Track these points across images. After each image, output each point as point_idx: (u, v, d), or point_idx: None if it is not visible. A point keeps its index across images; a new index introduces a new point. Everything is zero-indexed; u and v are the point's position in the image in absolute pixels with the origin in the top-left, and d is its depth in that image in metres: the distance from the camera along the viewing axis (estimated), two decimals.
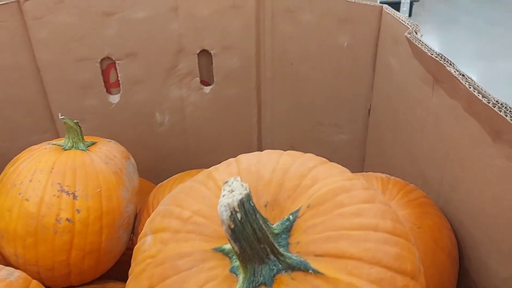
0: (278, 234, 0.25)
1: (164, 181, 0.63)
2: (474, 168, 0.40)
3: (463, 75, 0.40)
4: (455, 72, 0.41)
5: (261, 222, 0.23)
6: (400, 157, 0.56)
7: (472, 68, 2.06)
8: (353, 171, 0.69)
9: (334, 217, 0.25)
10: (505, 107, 0.35)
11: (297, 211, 0.26)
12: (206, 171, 0.32)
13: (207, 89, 0.72)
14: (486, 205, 0.40)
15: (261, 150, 0.80)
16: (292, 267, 0.24)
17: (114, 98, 0.69)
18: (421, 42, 0.46)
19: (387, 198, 0.42)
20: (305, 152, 0.68)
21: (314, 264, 0.24)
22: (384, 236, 0.25)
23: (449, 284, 0.40)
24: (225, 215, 0.22)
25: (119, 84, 0.68)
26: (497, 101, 0.36)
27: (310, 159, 0.30)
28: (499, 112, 0.35)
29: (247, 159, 0.31)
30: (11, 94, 0.64)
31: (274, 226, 0.26)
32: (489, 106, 0.36)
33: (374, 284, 0.23)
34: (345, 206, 0.26)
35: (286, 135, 0.75)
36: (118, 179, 0.52)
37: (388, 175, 0.46)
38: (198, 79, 0.71)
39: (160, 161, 0.75)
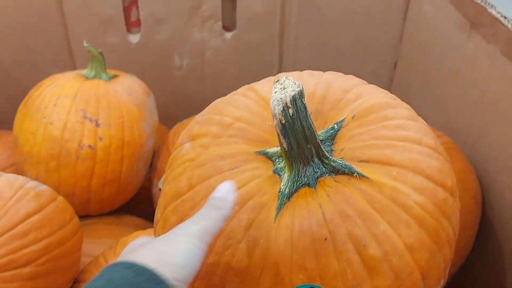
0: (322, 141, 0.25)
1: (184, 120, 0.63)
2: (509, 113, 0.40)
3: (505, 17, 0.39)
4: (496, 14, 0.40)
5: (310, 121, 0.23)
6: (427, 107, 0.55)
7: None
8: None
9: (380, 128, 0.25)
10: None
11: (342, 121, 0.26)
12: (245, 86, 0.31)
13: (228, 34, 0.71)
14: None
15: None
16: (337, 170, 0.24)
17: (134, 38, 0.68)
18: None
19: None
20: None
21: (359, 168, 0.24)
22: (427, 150, 0.25)
23: (472, 225, 0.40)
24: (277, 109, 0.22)
25: (140, 23, 0.67)
26: None
27: (352, 78, 0.30)
28: None
29: (288, 75, 0.30)
30: (33, 23, 0.63)
31: (319, 133, 0.25)
32: None
33: (418, 192, 0.23)
34: (390, 119, 0.26)
35: None
36: (141, 111, 0.52)
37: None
38: (220, 23, 0.70)
39: (176, 106, 0.75)
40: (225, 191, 0.22)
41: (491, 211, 0.44)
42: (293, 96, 0.22)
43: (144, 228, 0.54)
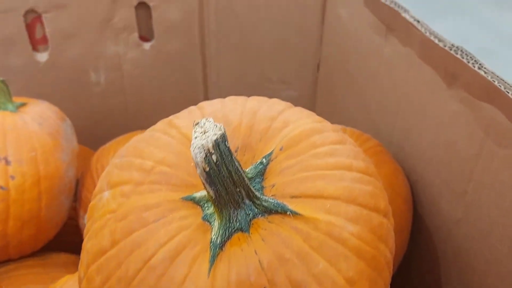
0: (251, 178, 0.24)
1: (106, 144, 0.59)
2: (428, 113, 0.41)
3: (418, 21, 0.40)
4: (410, 18, 0.41)
5: (237, 164, 0.22)
6: (352, 110, 0.56)
7: None
8: None
9: (309, 157, 0.24)
10: (461, 50, 0.36)
11: (270, 153, 0.25)
12: (164, 120, 0.29)
13: (146, 45, 0.68)
14: (439, 149, 0.41)
15: None
16: (269, 210, 0.23)
17: (42, 56, 0.62)
18: None
19: None
20: None
21: (291, 205, 0.23)
22: (358, 175, 0.25)
23: (405, 227, 0.41)
24: (200, 157, 0.20)
25: (47, 40, 0.62)
26: (452, 45, 0.36)
27: (277, 102, 0.29)
28: (455, 55, 0.35)
29: (211, 105, 0.29)
30: None
31: (247, 170, 0.24)
32: (445, 49, 0.36)
33: (352, 222, 0.23)
34: (318, 146, 0.25)
35: (234, 92, 0.72)
36: (55, 141, 0.48)
37: (344, 126, 0.46)
38: (136, 34, 0.66)
39: (97, 124, 0.70)
40: None
41: (421, 206, 0.45)
42: (215, 140, 0.20)
43: (73, 264, 0.50)
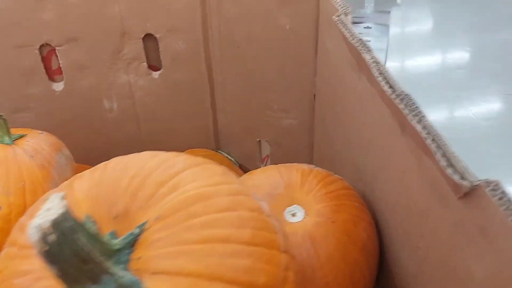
0: (119, 249, 0.24)
1: None
2: (392, 157, 0.39)
3: (376, 63, 0.38)
4: (370, 59, 0.39)
5: (84, 241, 0.22)
6: (339, 143, 0.54)
7: (465, 39, 2.00)
8: (303, 158, 0.68)
9: (182, 229, 0.24)
10: (407, 99, 0.33)
11: (144, 223, 0.25)
12: (68, 181, 0.30)
13: (155, 74, 0.70)
14: (401, 196, 0.38)
15: (217, 133, 0.78)
16: (124, 287, 0.23)
17: (58, 86, 0.67)
18: (346, 26, 0.44)
19: (305, 191, 0.41)
20: (259, 137, 0.66)
21: (149, 282, 0.22)
22: (234, 248, 0.24)
23: (363, 279, 0.39)
24: (34, 237, 0.20)
25: (62, 71, 0.66)
26: (401, 92, 0.34)
27: (180, 161, 0.28)
28: (398, 105, 0.33)
29: (116, 162, 0.29)
30: None
31: (116, 241, 0.24)
32: (391, 98, 0.34)
33: None
34: (197, 216, 0.24)
35: (241, 117, 0.73)
36: (45, 172, 0.51)
37: (312, 166, 0.44)
38: (145, 64, 0.69)
39: (113, 147, 0.74)
40: None
41: (385, 257, 0.42)
42: (53, 220, 0.20)
43: None
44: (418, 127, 0.30)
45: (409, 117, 0.31)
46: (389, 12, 0.91)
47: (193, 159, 0.29)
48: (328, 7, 0.50)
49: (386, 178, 0.40)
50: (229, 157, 0.78)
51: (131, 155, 0.30)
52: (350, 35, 0.42)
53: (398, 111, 0.33)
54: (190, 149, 0.72)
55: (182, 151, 0.73)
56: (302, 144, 0.67)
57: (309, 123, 0.64)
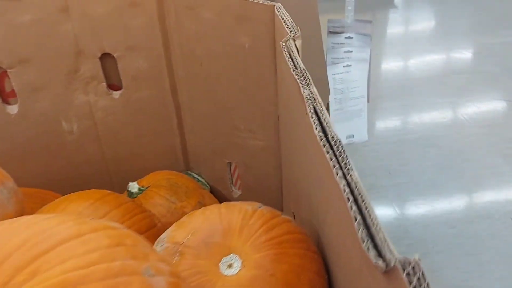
0: None
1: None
2: (333, 202, 0.35)
3: (313, 99, 0.34)
4: (308, 95, 0.35)
5: None
6: (298, 171, 0.50)
7: (467, 41, 1.94)
8: (272, 180, 0.63)
9: None
10: (339, 146, 0.29)
11: None
12: None
13: (116, 93, 0.67)
14: (342, 247, 0.34)
15: (186, 153, 0.75)
16: None
17: (13, 109, 0.64)
18: (291, 55, 0.40)
19: (243, 238, 0.37)
20: (228, 158, 0.62)
21: None
22: None
23: None
24: None
25: (16, 93, 0.63)
26: (333, 137, 0.30)
27: (59, 232, 0.24)
28: (327, 152, 0.29)
29: None
30: None
31: None
32: (320, 144, 0.30)
33: None
34: None
35: (209, 137, 0.69)
36: None
37: (257, 205, 0.40)
38: (104, 84, 0.65)
39: (75, 170, 0.71)
40: None
41: None
42: None
43: None
44: (342, 184, 0.26)
45: (334, 170, 0.27)
46: (370, 21, 0.87)
47: (82, 226, 0.25)
48: (280, 28, 0.46)
49: (331, 222, 0.36)
50: (199, 178, 0.74)
51: (2, 224, 0.26)
52: (293, 65, 0.38)
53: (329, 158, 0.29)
54: (155, 172, 0.69)
55: (149, 173, 0.69)
56: (270, 166, 0.63)
57: (276, 145, 0.60)
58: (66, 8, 0.59)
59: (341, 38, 0.93)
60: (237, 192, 0.71)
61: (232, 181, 0.71)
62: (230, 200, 0.72)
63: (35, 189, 0.65)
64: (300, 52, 0.40)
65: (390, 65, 1.80)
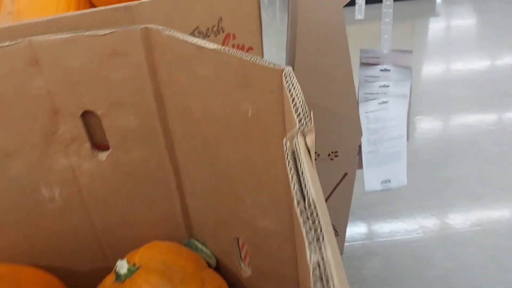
0: None
1: None
2: None
3: (323, 271, 0.21)
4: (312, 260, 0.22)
5: None
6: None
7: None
8: (286, 269, 0.51)
9: None
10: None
11: None
12: None
13: (103, 155, 0.56)
14: None
15: (188, 218, 0.63)
16: None
17: None
18: (299, 160, 0.27)
19: None
20: (234, 233, 0.51)
21: None
22: None
23: None
24: None
25: None
26: None
27: None
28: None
29: None
30: None
31: None
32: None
33: None
34: None
35: (211, 204, 0.57)
36: None
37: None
38: (87, 145, 0.55)
39: (59, 241, 0.61)
40: None
41: None
42: None
43: None
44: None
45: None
46: (410, 51, 0.73)
47: None
48: (290, 105, 0.34)
49: None
50: (203, 249, 0.62)
51: None
52: (299, 188, 0.25)
53: None
54: (152, 244, 0.58)
55: (147, 241, 0.58)
56: (284, 253, 0.50)
57: (290, 232, 0.48)
58: (36, 61, 0.49)
59: (375, 71, 0.79)
60: (247, 271, 0.59)
61: (240, 256, 0.59)
62: (239, 279, 0.59)
63: (9, 266, 0.56)
64: (312, 155, 0.27)
65: (430, 78, 1.64)
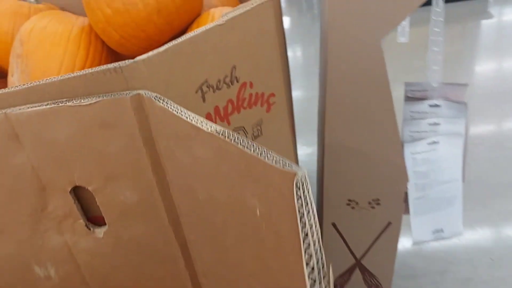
0: None
1: None
2: None
3: None
4: None
5: None
6: None
7: None
8: None
9: None
10: None
11: None
12: None
13: (99, 231, 0.49)
14: None
15: None
16: None
17: None
18: None
19: None
20: None
21: None
22: None
23: None
24: None
25: None
26: None
27: None
28: None
29: None
30: None
31: None
32: None
33: None
34: None
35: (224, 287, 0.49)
36: None
37: None
38: (81, 221, 0.48)
39: None
40: None
41: None
42: None
43: None
44: None
45: None
46: (466, 85, 0.61)
47: None
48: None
49: None
50: None
51: None
52: None
53: None
54: None
55: None
56: None
57: None
58: (15, 136, 0.42)
59: (423, 106, 0.68)
60: None
61: None
62: None
63: None
64: None
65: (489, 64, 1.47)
